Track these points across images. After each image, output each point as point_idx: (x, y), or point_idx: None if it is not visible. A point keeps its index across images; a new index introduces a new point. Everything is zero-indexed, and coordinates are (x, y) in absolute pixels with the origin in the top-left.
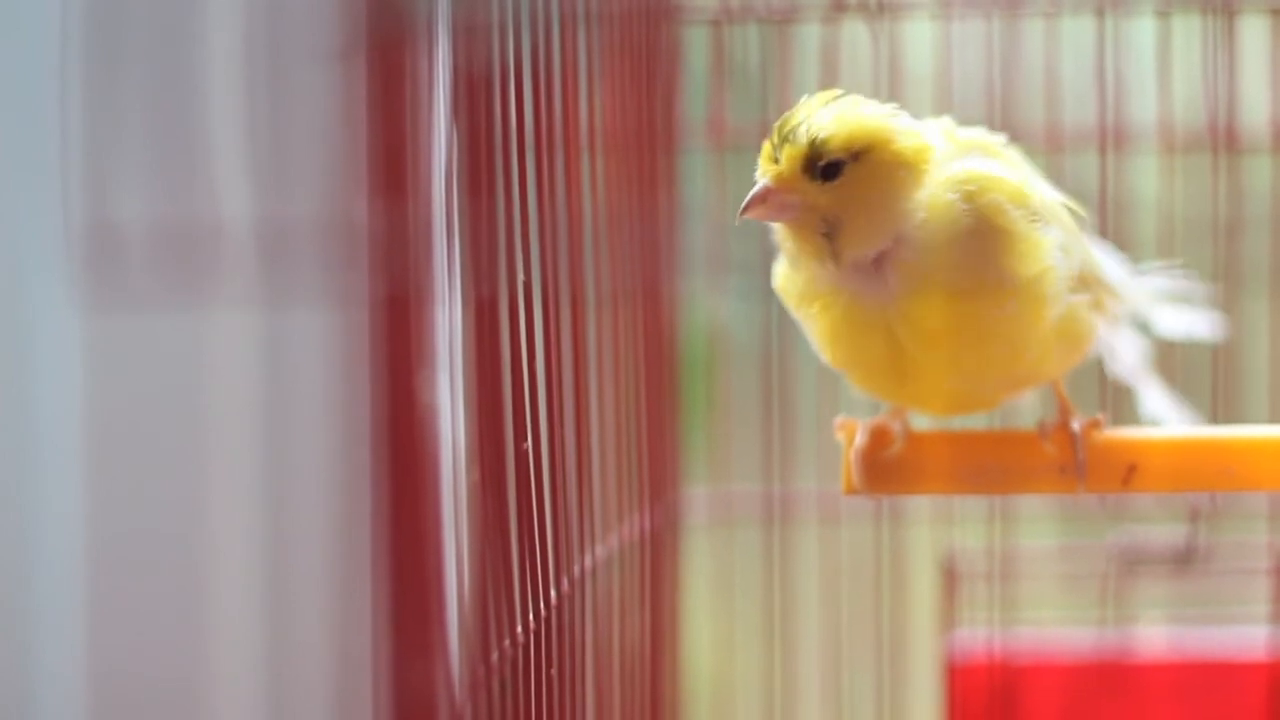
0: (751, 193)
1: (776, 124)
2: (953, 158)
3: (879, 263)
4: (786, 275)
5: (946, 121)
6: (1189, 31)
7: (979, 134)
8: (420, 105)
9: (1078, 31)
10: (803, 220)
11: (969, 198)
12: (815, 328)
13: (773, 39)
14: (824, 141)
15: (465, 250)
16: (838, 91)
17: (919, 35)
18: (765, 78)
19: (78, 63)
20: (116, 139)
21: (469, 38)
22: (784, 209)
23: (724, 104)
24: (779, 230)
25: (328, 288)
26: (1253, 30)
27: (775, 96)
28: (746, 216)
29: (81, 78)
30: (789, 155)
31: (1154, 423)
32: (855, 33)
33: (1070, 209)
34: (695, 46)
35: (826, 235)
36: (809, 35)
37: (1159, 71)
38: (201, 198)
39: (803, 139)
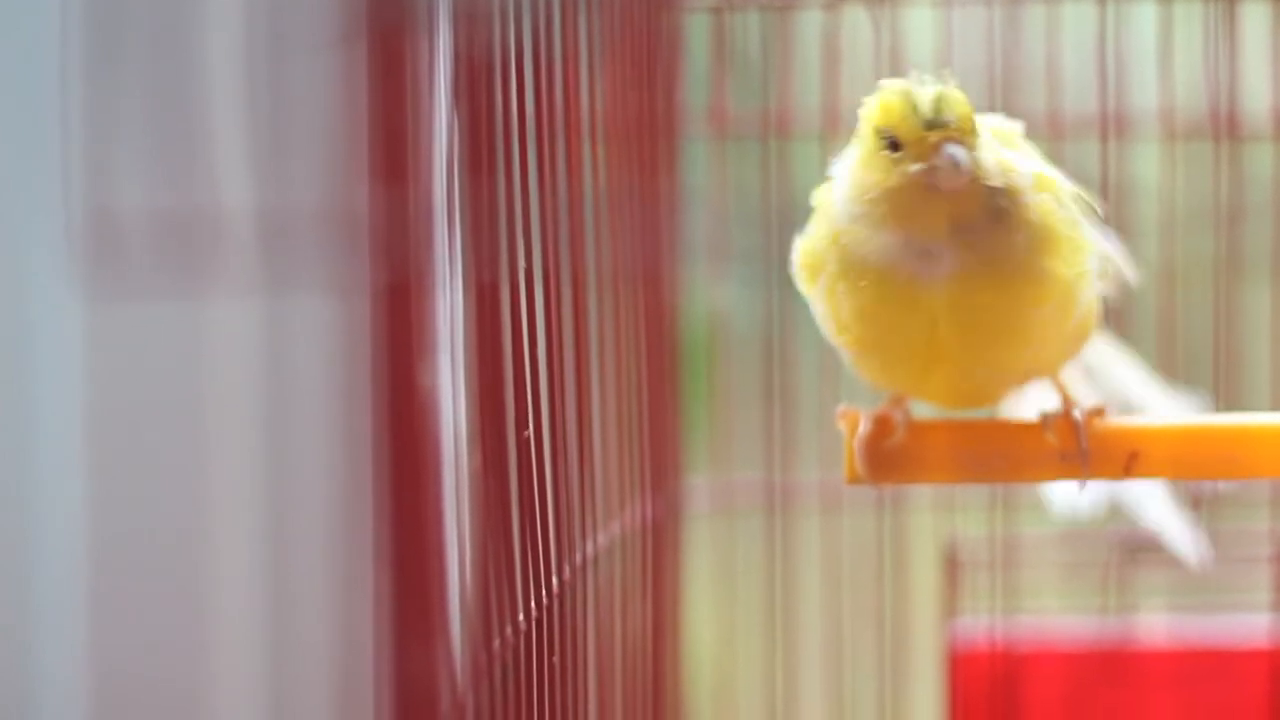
0: (950, 157)
1: (904, 102)
2: None
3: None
4: (819, 250)
5: None
6: (1190, 18)
7: (998, 122)
8: (421, 92)
9: (1079, 18)
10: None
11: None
12: (847, 304)
13: (774, 26)
14: (964, 102)
15: (466, 237)
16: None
17: (920, 22)
18: (766, 65)
19: (78, 52)
20: (117, 127)
21: (470, 24)
22: (979, 165)
23: (725, 91)
24: (915, 199)
25: (328, 275)
26: (1254, 17)
27: (776, 84)
28: (957, 185)
29: (82, 67)
30: (963, 116)
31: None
32: (856, 20)
33: (1083, 198)
34: (696, 33)
35: (993, 189)
36: (810, 22)
37: (1160, 58)
38: (202, 186)
39: (961, 100)
